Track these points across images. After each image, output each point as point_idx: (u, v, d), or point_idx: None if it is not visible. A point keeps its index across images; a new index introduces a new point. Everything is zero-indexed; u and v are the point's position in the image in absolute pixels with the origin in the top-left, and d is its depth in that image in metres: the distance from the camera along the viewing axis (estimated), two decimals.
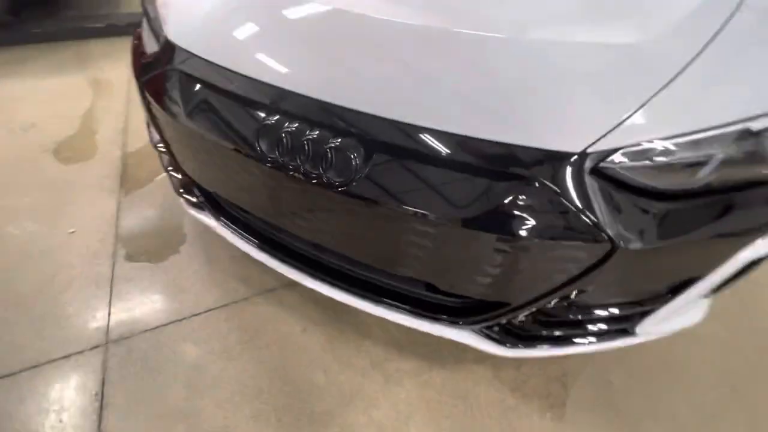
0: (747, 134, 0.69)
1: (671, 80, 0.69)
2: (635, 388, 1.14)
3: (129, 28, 2.92)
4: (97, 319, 1.25)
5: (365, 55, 0.81)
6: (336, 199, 0.81)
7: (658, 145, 0.69)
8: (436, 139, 0.72)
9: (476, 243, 0.74)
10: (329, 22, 0.86)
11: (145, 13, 1.22)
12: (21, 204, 1.60)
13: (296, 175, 0.81)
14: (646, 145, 0.69)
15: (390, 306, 1.02)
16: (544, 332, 0.93)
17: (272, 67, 0.86)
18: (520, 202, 0.70)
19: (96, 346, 1.19)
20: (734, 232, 0.74)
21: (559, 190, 0.68)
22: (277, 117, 0.83)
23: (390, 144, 0.76)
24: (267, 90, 0.85)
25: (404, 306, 1.01)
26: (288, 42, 0.87)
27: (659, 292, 0.85)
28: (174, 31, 1.00)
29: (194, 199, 1.26)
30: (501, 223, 0.71)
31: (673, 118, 0.69)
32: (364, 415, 1.08)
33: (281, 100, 0.83)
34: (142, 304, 1.30)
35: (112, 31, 2.89)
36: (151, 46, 1.11)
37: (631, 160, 0.70)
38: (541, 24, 0.76)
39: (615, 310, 0.87)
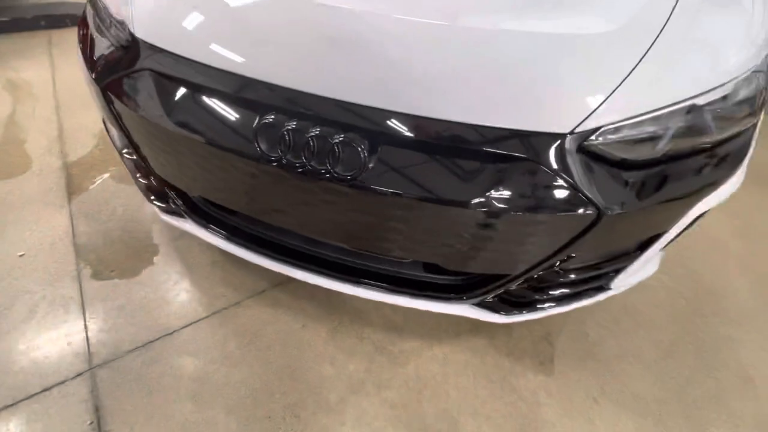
0: (693, 109, 0.83)
1: (636, 65, 0.80)
2: (606, 337, 1.31)
3: (37, 22, 2.60)
4: (74, 345, 1.16)
5: (360, 50, 0.83)
6: (345, 192, 0.83)
7: (630, 122, 0.80)
8: (445, 130, 0.77)
9: (485, 222, 0.81)
10: (316, 15, 0.86)
11: (94, 8, 1.12)
12: None
13: (302, 172, 0.82)
14: (620, 123, 0.79)
15: (394, 291, 1.07)
16: (536, 297, 1.04)
17: (265, 64, 0.85)
18: (521, 182, 0.77)
19: (79, 374, 1.10)
20: (688, 192, 0.88)
21: (553, 167, 0.77)
22: (275, 115, 0.82)
23: (395, 135, 0.79)
24: (261, 88, 0.84)
25: (408, 290, 1.07)
26: (279, 36, 0.86)
27: (631, 250, 0.99)
28: (142, 28, 0.94)
29: (171, 206, 1.20)
30: (506, 201, 0.78)
31: (640, 98, 0.79)
32: (377, 397, 1.12)
33: (278, 97, 0.83)
34: (124, 323, 1.22)
35: (18, 25, 2.55)
36: (107, 46, 1.03)
37: (608, 137, 0.80)
38: (533, 15, 0.83)
39: (595, 270, 1.00)
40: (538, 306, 1.05)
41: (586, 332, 1.31)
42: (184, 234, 1.46)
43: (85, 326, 1.20)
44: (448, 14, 0.82)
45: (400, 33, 0.81)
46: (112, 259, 1.38)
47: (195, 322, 1.24)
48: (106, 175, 1.67)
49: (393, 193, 0.79)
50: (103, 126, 1.89)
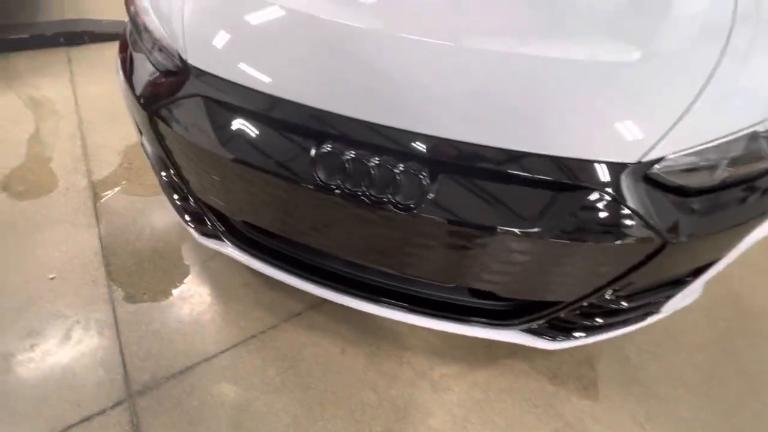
0: (755, 136, 0.82)
1: (700, 93, 0.79)
2: (648, 359, 1.29)
3: (57, 39, 2.60)
4: (112, 372, 1.13)
5: (419, 79, 0.83)
6: (403, 220, 0.82)
7: (694, 150, 0.79)
8: (509, 159, 0.77)
9: (549, 251, 0.80)
10: (373, 44, 0.86)
11: (137, 31, 1.11)
12: None
13: (361, 200, 0.81)
14: (684, 152, 0.79)
15: (439, 317, 1.05)
16: (586, 322, 1.02)
17: (322, 91, 0.84)
18: (588, 212, 0.77)
19: (119, 403, 1.07)
20: (746, 219, 0.87)
21: (619, 197, 0.76)
22: (334, 143, 0.82)
23: (456, 164, 0.79)
24: (319, 116, 0.83)
25: (454, 315, 1.05)
26: (337, 64, 0.86)
27: (686, 276, 0.98)
28: (194, 54, 0.93)
29: (209, 229, 1.19)
30: (572, 231, 0.77)
31: (706, 125, 0.79)
32: (422, 425, 1.10)
33: (337, 125, 0.82)
34: (160, 349, 1.19)
35: (37, 42, 2.55)
36: (153, 71, 1.02)
37: (671, 166, 0.79)
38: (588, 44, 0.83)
39: (649, 296, 0.98)
40: (588, 331, 1.03)
41: (627, 355, 1.29)
42: (215, 255, 1.45)
43: (121, 352, 1.18)
44: (517, 43, 0.82)
45: (463, 63, 0.81)
46: (143, 281, 1.36)
47: (233, 347, 1.21)
48: (133, 194, 1.66)
49: (453, 221, 0.79)
50: (127, 144, 1.89)
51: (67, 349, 1.17)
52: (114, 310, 1.27)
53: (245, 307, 1.32)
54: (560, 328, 1.04)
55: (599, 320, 1.01)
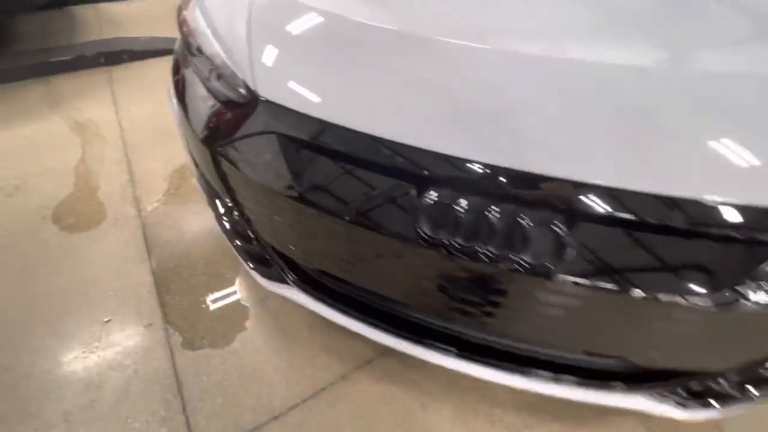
0: None
1: None
2: None
3: (98, 59, 2.58)
4: None
5: (547, 107, 0.68)
6: (531, 282, 0.67)
7: None
8: (679, 210, 0.61)
9: (722, 319, 0.64)
10: (485, 65, 0.71)
11: (191, 54, 1.00)
12: (32, 293, 1.32)
13: (479, 259, 0.67)
14: None
15: (546, 378, 0.90)
16: (736, 393, 0.85)
17: (424, 129, 0.70)
18: None
19: None
20: None
21: None
22: (441, 189, 0.68)
23: (604, 215, 0.63)
24: (425, 158, 0.69)
25: (563, 376, 0.89)
26: (441, 93, 0.72)
27: None
28: (267, 86, 0.82)
29: (273, 272, 1.07)
30: (756, 294, 0.60)
31: None
32: None
33: (445, 168, 0.68)
34: (224, 405, 1.09)
35: (80, 63, 2.54)
36: (213, 105, 0.91)
37: None
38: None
39: None
40: (737, 399, 0.85)
41: (756, 410, 1.10)
42: (273, 294, 1.33)
43: (184, 409, 1.08)
44: (673, 55, 0.66)
45: (606, 83, 0.65)
46: (201, 324, 1.27)
47: (302, 402, 1.10)
48: (182, 224, 1.58)
49: (607, 289, 0.63)
50: (172, 168, 1.82)
51: (126, 406, 1.08)
52: (173, 358, 1.18)
53: (311, 352, 1.20)
54: (698, 395, 0.87)
55: (753, 390, 0.83)
